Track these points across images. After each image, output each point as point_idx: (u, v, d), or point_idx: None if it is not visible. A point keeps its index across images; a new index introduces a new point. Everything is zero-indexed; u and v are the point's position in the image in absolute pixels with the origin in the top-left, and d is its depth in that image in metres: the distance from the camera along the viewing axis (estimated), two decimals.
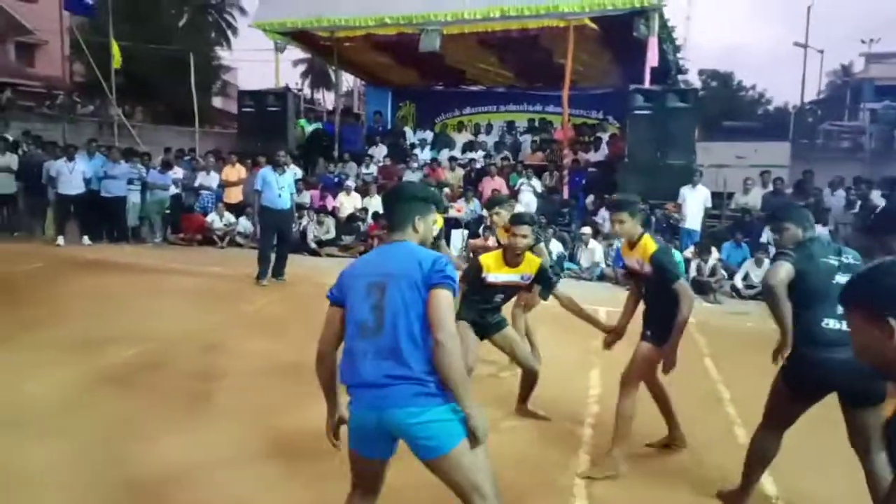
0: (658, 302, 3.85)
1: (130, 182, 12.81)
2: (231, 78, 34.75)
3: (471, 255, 9.53)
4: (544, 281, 4.50)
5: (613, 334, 4.19)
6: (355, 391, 2.43)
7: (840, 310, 2.97)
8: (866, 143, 17.46)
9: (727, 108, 32.89)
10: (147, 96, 25.63)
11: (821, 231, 10.06)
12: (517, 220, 4.49)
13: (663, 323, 3.74)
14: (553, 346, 5.76)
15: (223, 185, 13.64)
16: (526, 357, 4.71)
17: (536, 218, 4.77)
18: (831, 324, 3.03)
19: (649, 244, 3.81)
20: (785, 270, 3.09)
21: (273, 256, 9.41)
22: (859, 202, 8.85)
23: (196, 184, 13.90)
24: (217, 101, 33.03)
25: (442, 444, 2.34)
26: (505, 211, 5.44)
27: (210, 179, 13.89)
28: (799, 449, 3.82)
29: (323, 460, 3.76)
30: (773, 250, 10.22)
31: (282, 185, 9.32)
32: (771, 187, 11.88)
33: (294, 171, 13.75)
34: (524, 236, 4.38)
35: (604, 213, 11.68)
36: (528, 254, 4.50)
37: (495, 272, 4.48)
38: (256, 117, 15.26)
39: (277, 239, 9.43)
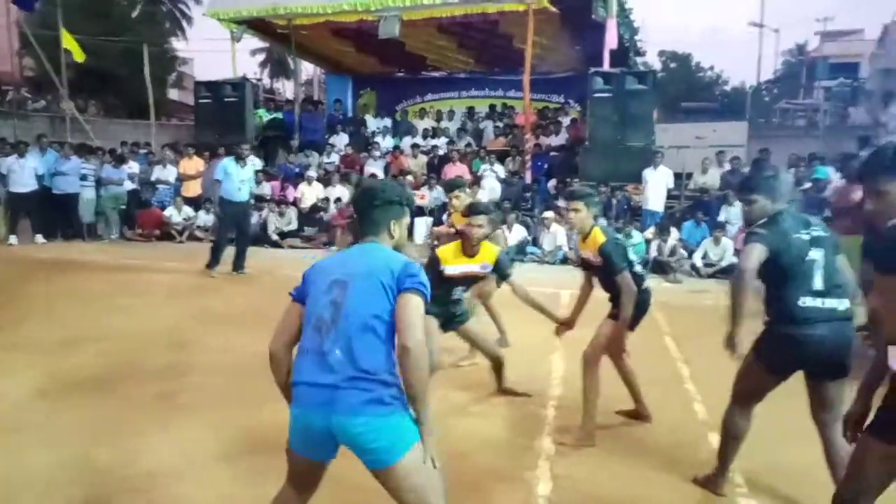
0: (616, 287, 3.96)
1: (84, 178, 12.52)
2: (187, 69, 34.06)
3: (435, 242, 9.52)
4: (501, 269, 4.54)
5: (564, 326, 4.31)
6: (303, 389, 2.29)
7: (817, 286, 3.02)
8: (821, 120, 17.79)
9: (686, 89, 33.32)
10: (100, 90, 24.98)
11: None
12: (473, 210, 4.50)
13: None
14: (516, 331, 5.79)
15: (181, 178, 13.41)
16: (489, 346, 4.77)
17: (493, 207, 4.77)
18: (808, 301, 3.02)
19: (598, 236, 3.96)
20: (758, 253, 3.03)
21: (233, 250, 9.37)
22: (809, 180, 9.05)
23: (153, 178, 13.64)
24: (173, 94, 32.37)
25: (391, 455, 2.21)
26: (464, 194, 5.45)
27: (167, 173, 13.62)
28: (759, 420, 3.90)
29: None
30: (730, 228, 10.42)
31: (242, 178, 9.28)
32: (728, 166, 12.07)
33: (254, 163, 13.59)
34: (480, 226, 4.41)
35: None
36: (484, 242, 4.52)
37: (453, 264, 4.49)
38: (214, 108, 14.97)
39: (236, 232, 9.41)
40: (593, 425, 4.02)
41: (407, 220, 2.55)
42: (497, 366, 4.73)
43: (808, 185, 9.08)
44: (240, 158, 9.32)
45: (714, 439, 3.63)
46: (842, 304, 3.06)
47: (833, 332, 3.01)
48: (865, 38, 30.95)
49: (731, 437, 3.37)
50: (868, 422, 2.37)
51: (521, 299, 4.39)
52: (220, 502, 3.33)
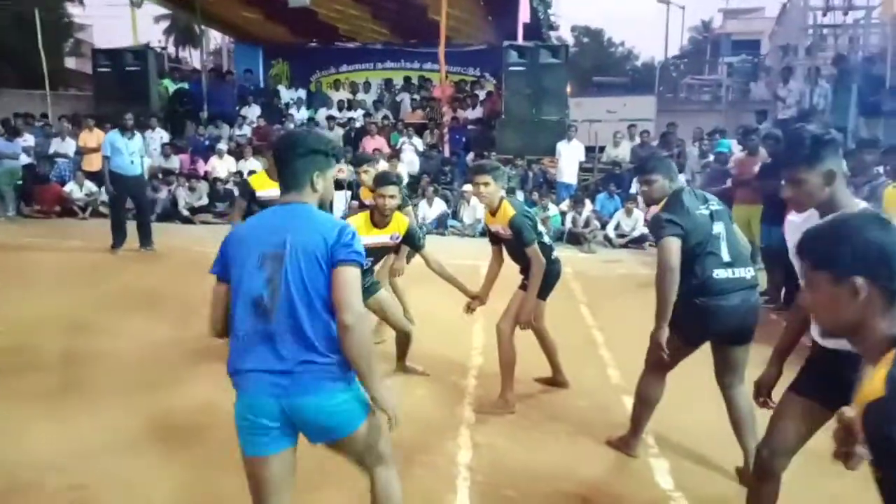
0: (526, 259, 4.03)
1: None
2: (85, 36, 32.08)
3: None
4: (413, 240, 4.49)
5: (476, 300, 4.31)
6: (250, 377, 2.12)
7: (725, 257, 3.13)
8: (724, 95, 18.55)
9: (598, 64, 34.03)
10: None
11: (681, 180, 10.67)
12: (383, 180, 4.38)
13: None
14: (436, 304, 5.81)
15: (81, 151, 12.63)
16: (398, 319, 4.70)
17: (401, 177, 4.72)
18: (720, 273, 3.14)
19: (508, 209, 3.98)
20: (676, 247, 3.10)
21: (132, 226, 9.00)
22: (712, 153, 9.44)
23: (50, 151, 12.84)
24: (70, 62, 30.42)
25: (347, 427, 2.17)
26: (373, 169, 5.37)
27: (66, 146, 12.86)
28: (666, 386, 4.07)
29: (207, 436, 3.70)
30: (641, 200, 10.77)
31: (132, 151, 8.83)
32: (638, 140, 12.43)
33: (153, 136, 13.01)
34: (392, 196, 4.32)
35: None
36: (396, 213, 4.46)
37: (364, 234, 4.32)
38: (114, 78, 14.18)
39: (135, 208, 9.04)
40: (511, 393, 4.11)
41: (333, 171, 2.31)
42: (404, 340, 4.68)
43: (710, 157, 9.45)
44: (126, 129, 8.86)
45: (628, 403, 3.76)
46: (748, 273, 3.22)
47: (744, 301, 3.16)
48: (766, 16, 32.35)
49: (645, 403, 3.50)
50: (791, 382, 2.48)
51: (435, 271, 4.38)
52: (125, 493, 3.19)
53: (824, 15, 17.04)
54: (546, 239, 4.17)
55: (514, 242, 4.04)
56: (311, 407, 2.11)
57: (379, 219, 4.41)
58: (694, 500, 3.13)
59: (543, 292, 4.10)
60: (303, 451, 2.25)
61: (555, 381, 4.49)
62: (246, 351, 2.13)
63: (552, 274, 4.13)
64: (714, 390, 3.38)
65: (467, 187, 11.52)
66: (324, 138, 2.38)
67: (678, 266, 3.10)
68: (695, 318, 3.19)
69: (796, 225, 2.51)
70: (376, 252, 4.53)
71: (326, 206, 2.40)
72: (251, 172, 12.11)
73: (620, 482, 3.34)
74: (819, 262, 1.45)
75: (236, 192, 8.70)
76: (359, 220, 4.41)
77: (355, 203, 11.50)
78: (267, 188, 4.92)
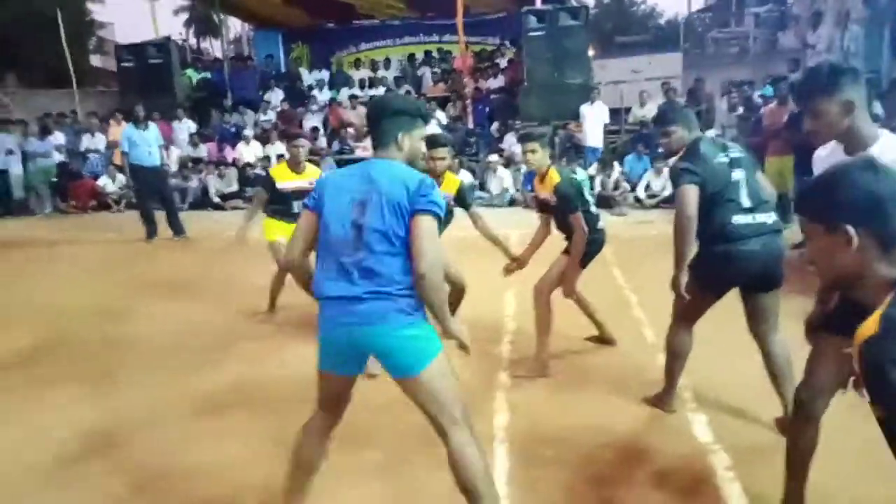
0: (570, 227, 4.04)
1: (9, 153, 11.93)
2: (107, 34, 32.38)
3: None
4: (464, 199, 4.57)
5: (516, 263, 4.38)
6: (329, 304, 2.36)
7: (745, 203, 3.11)
8: (752, 46, 18.05)
9: (620, 23, 33.33)
10: (16, 61, 23.60)
11: (710, 133, 10.47)
12: (434, 142, 4.40)
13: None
14: (469, 272, 5.82)
15: (111, 146, 12.88)
16: (454, 273, 4.76)
17: (450, 138, 4.76)
18: (739, 219, 3.12)
19: (554, 176, 4.02)
20: (693, 194, 3.10)
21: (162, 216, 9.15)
22: (741, 106, 9.22)
23: (82, 147, 13.10)
24: (96, 60, 30.81)
25: (416, 362, 2.31)
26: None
27: (96, 141, 13.11)
28: (702, 340, 4.05)
29: (245, 414, 3.79)
30: (671, 159, 10.61)
31: (148, 142, 8.98)
32: (666, 98, 12.19)
33: (178, 126, 13.17)
34: (442, 158, 4.39)
35: (510, 139, 11.75)
36: (447, 173, 4.54)
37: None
38: (138, 72, 14.39)
39: (160, 198, 9.18)
40: (546, 356, 4.12)
41: (420, 132, 2.49)
42: (457, 298, 4.69)
43: (741, 109, 9.25)
44: (139, 122, 8.99)
45: (662, 361, 3.74)
46: (770, 218, 3.18)
47: (765, 246, 3.12)
48: None
49: (675, 356, 3.48)
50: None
51: (481, 231, 4.47)
52: (164, 464, 3.28)
53: None
54: (592, 209, 4.17)
55: (559, 209, 4.06)
56: (381, 335, 2.29)
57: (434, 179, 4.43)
58: (733, 451, 3.11)
59: (584, 259, 4.11)
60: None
61: (602, 338, 4.54)
62: (330, 281, 2.36)
63: (596, 243, 4.14)
64: (750, 343, 3.34)
65: (493, 157, 11.47)
66: (410, 99, 2.67)
67: (695, 213, 3.09)
68: (716, 265, 3.17)
69: (822, 158, 2.46)
70: None
71: (416, 163, 2.56)
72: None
73: (658, 438, 3.33)
74: (813, 214, 1.45)
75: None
76: None
77: None
78: (287, 179, 5.12)
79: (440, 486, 2.64)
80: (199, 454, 3.35)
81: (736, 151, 3.26)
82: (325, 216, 2.40)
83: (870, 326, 1.29)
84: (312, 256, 2.53)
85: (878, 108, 5.63)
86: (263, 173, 12.20)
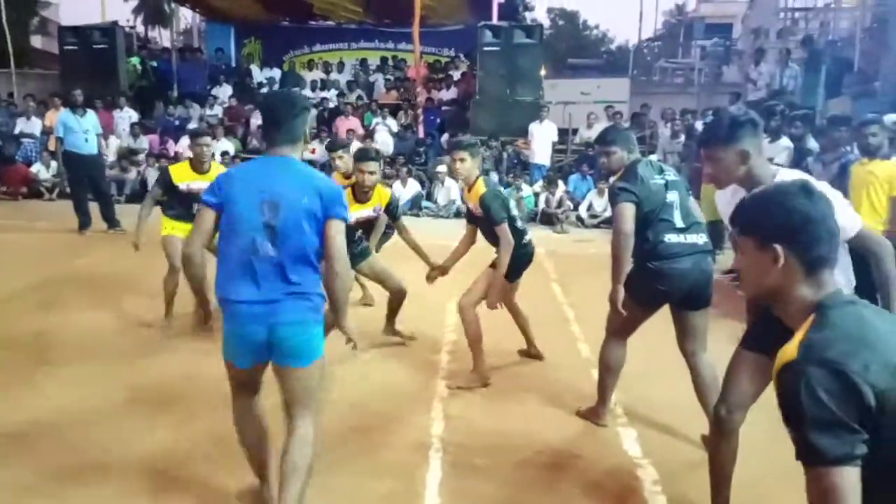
0: (497, 238, 4.09)
1: None
2: (51, 14, 31.26)
3: None
4: (393, 211, 4.66)
5: (437, 270, 4.48)
6: (243, 307, 2.40)
7: (678, 224, 3.26)
8: (697, 78, 18.68)
9: (573, 46, 34.05)
10: None
11: (652, 158, 10.77)
12: (363, 156, 4.48)
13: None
14: (413, 279, 5.84)
15: (47, 131, 12.38)
16: (392, 278, 4.83)
17: (380, 152, 4.78)
18: (672, 238, 3.26)
19: (480, 187, 4.06)
20: (630, 212, 3.23)
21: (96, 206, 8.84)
22: (683, 133, 9.53)
23: (16, 131, 12.55)
24: (36, 41, 29.65)
25: (310, 355, 2.47)
26: (347, 155, 5.36)
27: (31, 126, 12.59)
28: (633, 358, 4.15)
29: (185, 404, 3.75)
30: (613, 180, 10.88)
31: (86, 128, 8.63)
32: (612, 122, 12.48)
33: (119, 115, 12.79)
34: (371, 172, 4.43)
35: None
36: (378, 187, 4.58)
37: (350, 211, 4.43)
38: (82, 56, 13.90)
39: (92, 188, 8.82)
40: (483, 367, 4.15)
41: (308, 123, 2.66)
42: (398, 299, 4.79)
43: (682, 137, 9.56)
44: (76, 107, 8.66)
45: (596, 375, 3.82)
46: (701, 239, 3.33)
47: (695, 265, 3.27)
48: (739, 0, 32.61)
49: (608, 369, 3.58)
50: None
51: (405, 240, 4.57)
52: (95, 458, 3.18)
53: None
54: (518, 223, 4.20)
55: (485, 220, 4.10)
56: (297, 333, 2.43)
57: (361, 194, 4.47)
58: (660, 466, 3.20)
59: (513, 274, 4.16)
60: None
61: (529, 353, 4.60)
62: (236, 282, 2.40)
63: (523, 257, 4.19)
64: (681, 363, 3.44)
65: (441, 168, 11.52)
66: (304, 95, 2.82)
67: (632, 230, 3.23)
68: (648, 280, 3.30)
69: (726, 200, 2.62)
70: (362, 225, 4.63)
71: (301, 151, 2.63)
72: (224, 153, 12.03)
73: (589, 450, 3.39)
74: (745, 228, 1.51)
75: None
76: None
77: None
78: (188, 180, 4.87)
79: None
80: (131, 446, 3.27)
81: (671, 174, 3.42)
82: (231, 214, 2.40)
83: (790, 352, 1.34)
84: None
85: (811, 142, 5.89)
86: (164, 167, 11.98)
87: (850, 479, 1.22)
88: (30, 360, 4.40)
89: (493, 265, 4.16)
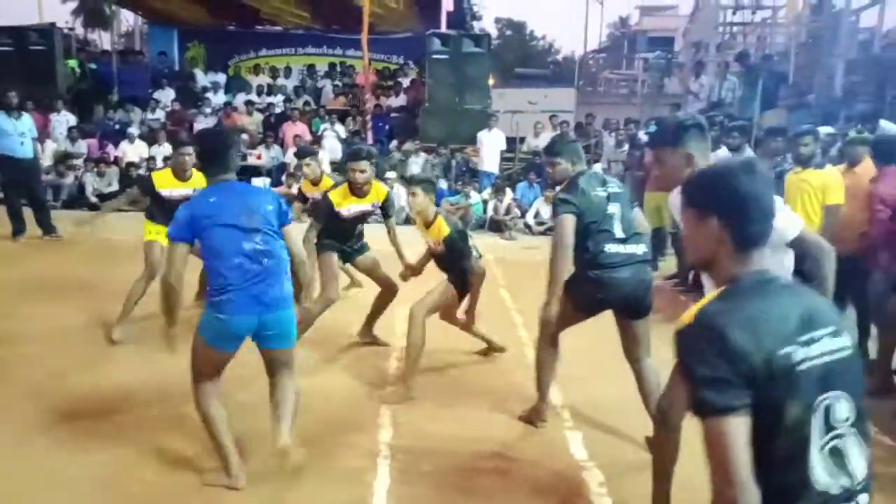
0: (452, 264, 4.34)
1: None
2: None
3: None
4: (389, 208, 4.89)
5: (410, 270, 4.70)
6: (240, 302, 2.87)
7: (618, 234, 3.33)
8: (640, 89, 19.15)
9: (520, 56, 34.49)
10: None
11: (597, 168, 10.99)
12: (354, 156, 4.63)
13: (457, 276, 4.31)
14: (362, 289, 5.84)
15: None
16: (388, 278, 4.92)
17: (374, 152, 5.07)
18: (612, 248, 3.34)
19: (443, 227, 4.26)
20: (571, 224, 3.32)
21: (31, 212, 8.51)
22: (627, 143, 9.75)
23: None
24: None
25: (293, 336, 3.12)
26: (314, 163, 5.48)
27: None
28: (580, 363, 4.22)
29: (122, 416, 3.67)
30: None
31: (21, 131, 8.32)
32: (558, 130, 12.68)
33: (56, 118, 12.39)
34: (363, 171, 4.56)
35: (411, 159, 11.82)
36: (375, 183, 4.76)
37: (345, 205, 4.63)
38: (17, 58, 13.34)
39: (27, 193, 8.51)
40: (412, 380, 4.10)
41: None
42: (385, 301, 4.90)
43: (626, 146, 9.76)
44: (11, 109, 8.34)
45: None
46: (640, 250, 3.42)
47: (634, 274, 3.36)
48: (680, 14, 33.53)
49: (543, 368, 3.68)
50: None
51: (391, 240, 4.88)
52: (40, 472, 3.06)
53: (734, 13, 17.84)
54: (470, 244, 4.41)
55: (446, 254, 4.30)
56: (284, 318, 3.01)
57: (357, 190, 4.63)
58: (606, 468, 3.25)
59: (463, 288, 4.33)
60: None
61: (491, 349, 4.80)
62: (243, 294, 2.87)
63: (471, 273, 4.36)
64: (626, 365, 3.51)
65: (390, 174, 11.50)
66: (230, 131, 3.29)
67: (571, 242, 3.32)
68: (587, 288, 3.39)
69: (677, 202, 2.67)
70: (360, 220, 4.88)
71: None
72: (166, 158, 11.73)
73: (535, 453, 3.42)
74: (689, 199, 1.60)
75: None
76: (338, 194, 4.65)
77: (275, 189, 11.33)
78: (171, 187, 4.95)
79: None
80: (76, 456, 3.16)
81: (614, 186, 3.50)
82: (214, 241, 2.89)
83: (688, 316, 1.43)
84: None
85: (748, 152, 6.09)
86: (147, 174, 11.69)
87: (735, 428, 1.33)
88: None
89: (450, 279, 4.31)
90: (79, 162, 11.85)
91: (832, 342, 1.42)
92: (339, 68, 16.36)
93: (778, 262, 2.40)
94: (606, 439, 3.58)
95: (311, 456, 3.21)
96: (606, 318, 3.48)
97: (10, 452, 3.27)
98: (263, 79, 15.46)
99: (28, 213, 8.55)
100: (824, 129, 6.09)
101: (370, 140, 13.27)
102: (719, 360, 1.34)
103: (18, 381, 4.12)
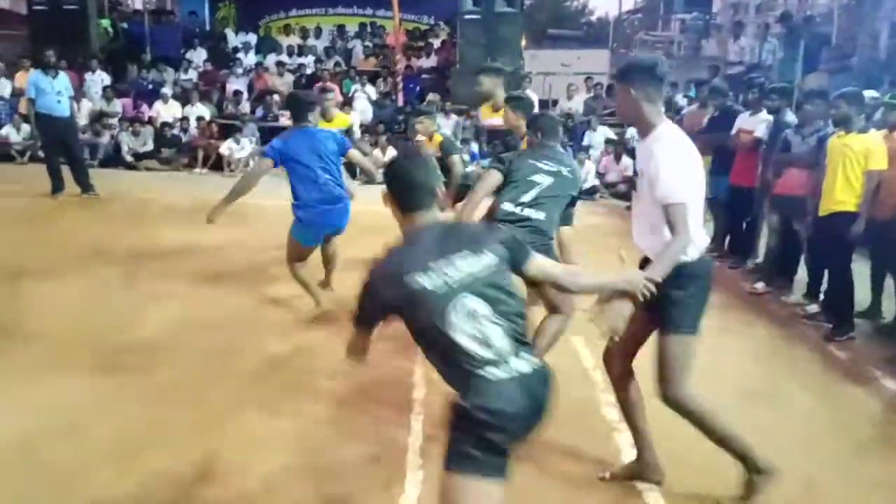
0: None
1: None
2: None
3: None
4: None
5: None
6: (318, 205, 4.47)
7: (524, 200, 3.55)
8: (676, 51, 18.67)
9: (553, 16, 33.78)
10: None
11: (632, 132, 10.79)
12: (418, 112, 5.80)
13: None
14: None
15: (17, 94, 12.05)
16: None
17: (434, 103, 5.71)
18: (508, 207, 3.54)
19: (437, 136, 5.30)
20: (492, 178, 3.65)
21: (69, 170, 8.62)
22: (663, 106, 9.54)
23: None
24: (3, 2, 28.67)
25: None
26: (428, 121, 5.67)
27: (0, 88, 12.23)
28: None
29: (156, 374, 3.72)
30: (593, 152, 10.91)
31: (58, 90, 8.39)
32: (591, 93, 12.48)
33: (91, 78, 12.51)
34: (420, 122, 5.48)
35: (441, 120, 11.74)
36: (435, 134, 5.50)
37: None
38: (51, 17, 13.51)
39: (65, 152, 8.59)
40: None
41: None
42: None
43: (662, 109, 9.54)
44: (49, 67, 8.42)
45: (580, 348, 3.84)
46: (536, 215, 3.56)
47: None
48: None
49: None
50: None
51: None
52: (78, 430, 3.17)
53: None
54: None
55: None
56: (345, 213, 4.64)
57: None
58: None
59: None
60: None
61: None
62: (318, 198, 4.45)
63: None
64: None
65: (420, 137, 11.44)
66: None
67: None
68: None
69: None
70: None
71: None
72: (199, 118, 11.82)
73: (568, 414, 3.37)
74: (619, 76, 2.58)
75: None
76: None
77: None
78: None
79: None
80: (101, 412, 3.25)
81: (564, 169, 3.64)
82: (298, 165, 4.41)
83: (376, 260, 2.01)
84: None
85: (789, 115, 5.91)
86: (182, 134, 11.81)
87: (361, 333, 2.13)
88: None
89: None
90: (114, 121, 11.97)
91: (467, 262, 1.93)
92: (369, 29, 16.20)
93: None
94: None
95: (342, 414, 3.28)
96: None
97: (30, 400, 3.39)
98: (294, 39, 15.39)
99: (67, 172, 8.68)
100: (869, 93, 5.89)
101: (400, 102, 13.20)
102: (373, 291, 1.99)
103: (42, 334, 4.24)
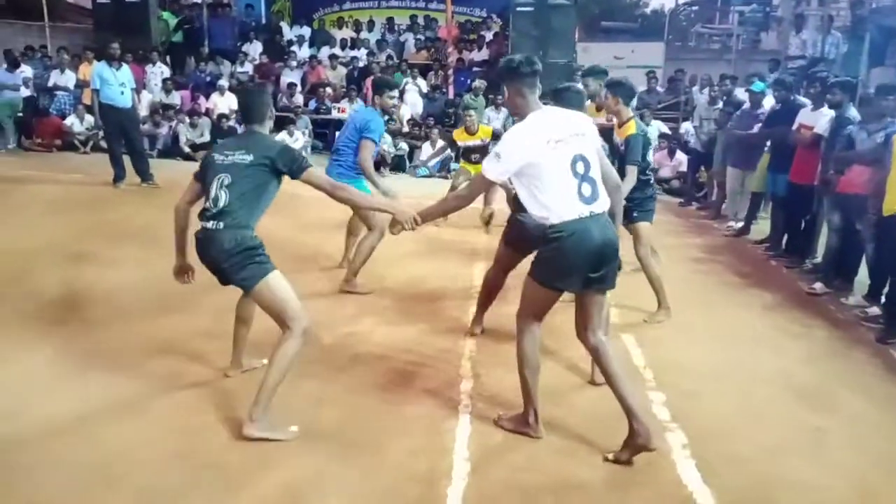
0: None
1: None
2: None
3: None
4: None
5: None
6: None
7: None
8: (734, 44, 18.18)
9: (607, 8, 33.24)
10: None
11: (687, 127, 10.58)
12: (466, 107, 6.75)
13: None
14: (437, 242, 5.89)
15: (81, 84, 12.46)
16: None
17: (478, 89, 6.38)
18: None
19: (485, 129, 6.99)
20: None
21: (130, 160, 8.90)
22: (722, 98, 9.28)
23: (50, 84, 12.65)
24: None
25: None
26: (476, 115, 7.28)
27: (65, 79, 12.67)
28: (661, 324, 4.15)
29: (207, 360, 3.79)
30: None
31: (121, 81, 8.62)
32: (646, 87, 12.25)
33: (151, 70, 12.83)
34: (469, 116, 7.02)
35: (491, 113, 11.73)
36: (480, 126, 7.14)
37: (463, 140, 7.29)
38: (114, 10, 13.91)
39: (126, 141, 8.83)
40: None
41: None
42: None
43: (720, 103, 9.28)
44: (113, 59, 8.66)
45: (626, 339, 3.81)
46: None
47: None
48: None
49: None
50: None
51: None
52: (131, 414, 3.28)
53: None
54: None
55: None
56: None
57: (469, 131, 7.23)
58: (689, 429, 3.21)
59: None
60: None
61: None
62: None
63: None
64: (706, 326, 3.43)
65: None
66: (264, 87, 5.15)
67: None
68: None
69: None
70: (474, 151, 7.13)
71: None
72: None
73: (614, 412, 3.40)
74: (496, 75, 3.11)
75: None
76: (457, 134, 7.47)
77: None
78: (464, 140, 7.29)
79: None
80: (153, 399, 3.35)
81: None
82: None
83: None
84: None
85: (852, 110, 5.70)
86: (237, 125, 12.01)
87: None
88: (53, 312, 4.50)
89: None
90: (172, 113, 12.28)
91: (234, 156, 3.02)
92: (421, 21, 16.23)
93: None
94: (689, 400, 3.52)
95: (388, 406, 3.31)
96: (688, 280, 3.40)
97: (94, 381, 3.51)
98: (347, 32, 15.52)
99: (128, 161, 8.95)
100: None
101: (451, 94, 13.20)
102: None
103: (107, 317, 4.38)
